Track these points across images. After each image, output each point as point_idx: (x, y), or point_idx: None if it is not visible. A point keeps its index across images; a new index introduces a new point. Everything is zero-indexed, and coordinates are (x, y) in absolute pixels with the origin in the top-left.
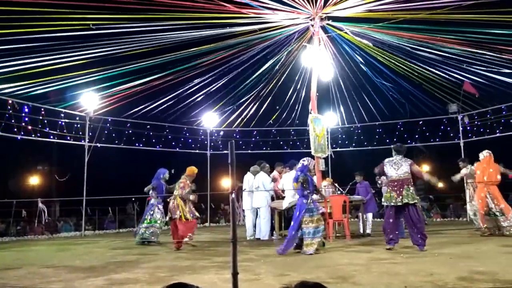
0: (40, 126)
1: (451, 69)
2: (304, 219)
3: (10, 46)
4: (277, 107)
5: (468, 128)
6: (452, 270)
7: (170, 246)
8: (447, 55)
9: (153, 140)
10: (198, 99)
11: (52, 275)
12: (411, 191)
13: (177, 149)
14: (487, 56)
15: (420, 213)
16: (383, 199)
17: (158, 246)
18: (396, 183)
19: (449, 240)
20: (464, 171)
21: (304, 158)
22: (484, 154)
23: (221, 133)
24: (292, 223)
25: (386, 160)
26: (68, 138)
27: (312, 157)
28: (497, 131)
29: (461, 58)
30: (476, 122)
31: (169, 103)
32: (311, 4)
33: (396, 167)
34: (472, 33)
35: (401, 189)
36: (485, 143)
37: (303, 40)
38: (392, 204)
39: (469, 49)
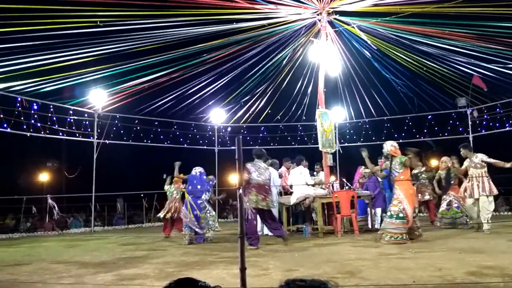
0: (49, 123)
1: (460, 62)
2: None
3: (18, 44)
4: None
5: (477, 122)
6: (461, 265)
7: (178, 241)
8: (455, 49)
9: (161, 137)
10: (206, 95)
11: (62, 271)
12: (273, 198)
13: (185, 145)
14: (496, 50)
15: (274, 216)
16: (248, 202)
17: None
18: (260, 187)
19: (458, 234)
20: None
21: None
22: (389, 148)
23: (229, 129)
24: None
25: (250, 164)
26: (77, 135)
27: (320, 152)
28: (507, 125)
29: (470, 52)
30: (485, 116)
31: (177, 99)
32: None
33: (259, 172)
34: (481, 27)
35: (266, 194)
36: (495, 137)
37: (310, 35)
38: (260, 207)
39: (478, 43)
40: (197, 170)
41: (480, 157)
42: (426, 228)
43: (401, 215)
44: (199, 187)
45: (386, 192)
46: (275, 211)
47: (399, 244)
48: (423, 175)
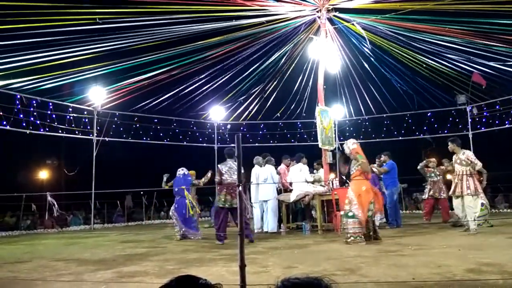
0: (48, 120)
1: (460, 59)
2: None
3: (18, 41)
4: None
5: (477, 119)
6: (460, 262)
7: (177, 239)
8: (455, 46)
9: (161, 134)
10: (206, 92)
11: (62, 268)
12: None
13: (185, 142)
14: (496, 47)
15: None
16: (217, 201)
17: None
18: (231, 186)
19: (457, 232)
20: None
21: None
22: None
23: (228, 126)
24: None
25: (221, 165)
26: (76, 132)
27: (320, 150)
28: (506, 122)
29: (470, 50)
30: (484, 113)
31: (176, 96)
32: None
33: (231, 172)
34: (481, 24)
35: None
36: (494, 134)
37: (310, 32)
38: (227, 206)
39: (478, 40)
40: (180, 172)
41: (467, 154)
42: (424, 226)
43: (350, 214)
44: (183, 187)
45: (387, 190)
46: (274, 208)
47: (358, 243)
48: (436, 173)
